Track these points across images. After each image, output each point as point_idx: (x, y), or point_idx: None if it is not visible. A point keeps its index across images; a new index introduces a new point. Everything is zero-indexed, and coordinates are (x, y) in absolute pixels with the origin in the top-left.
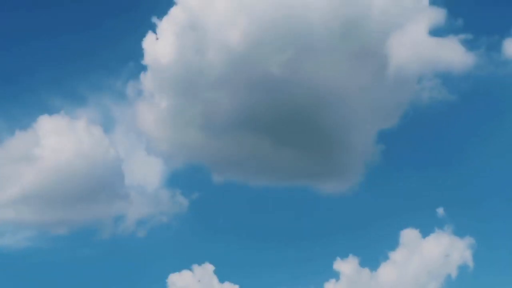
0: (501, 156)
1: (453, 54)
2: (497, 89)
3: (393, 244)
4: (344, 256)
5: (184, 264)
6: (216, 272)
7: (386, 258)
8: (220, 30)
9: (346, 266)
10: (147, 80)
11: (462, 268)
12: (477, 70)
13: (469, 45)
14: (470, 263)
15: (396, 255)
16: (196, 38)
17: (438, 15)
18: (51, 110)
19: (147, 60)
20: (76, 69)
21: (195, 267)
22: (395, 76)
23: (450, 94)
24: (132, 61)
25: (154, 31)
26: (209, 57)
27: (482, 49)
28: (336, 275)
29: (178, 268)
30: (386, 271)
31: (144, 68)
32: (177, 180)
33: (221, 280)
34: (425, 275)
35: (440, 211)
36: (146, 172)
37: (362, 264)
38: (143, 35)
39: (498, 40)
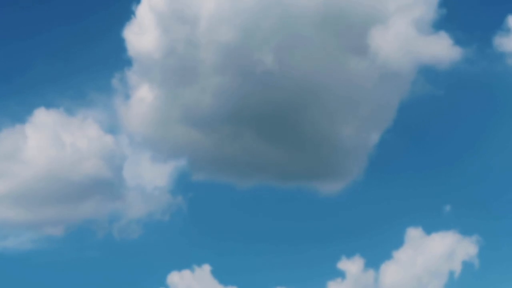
0: (503, 153)
1: (443, 48)
2: (492, 84)
3: (398, 242)
4: (348, 255)
5: (183, 265)
6: (214, 273)
7: (390, 256)
8: (207, 20)
9: (351, 266)
10: (132, 73)
11: (467, 267)
12: (468, 65)
13: (460, 39)
14: (475, 261)
15: (401, 254)
16: (181, 27)
17: (428, 8)
18: (42, 107)
19: (131, 52)
20: (68, 66)
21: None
22: (386, 70)
23: (444, 89)
24: (117, 54)
25: (136, 21)
26: (194, 48)
27: (473, 44)
28: (340, 275)
29: (175, 269)
30: (391, 269)
31: (128, 61)
32: (172, 179)
33: (220, 282)
34: (430, 274)
35: (446, 209)
36: (141, 171)
37: (367, 263)
38: (124, 25)
39: (489, 35)
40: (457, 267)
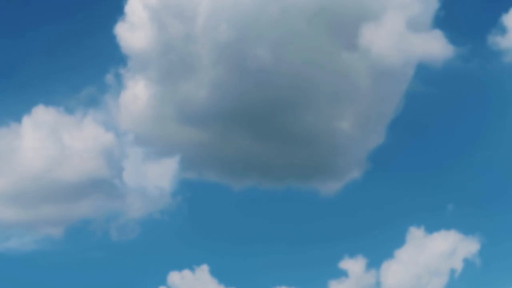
0: (503, 150)
1: (438, 46)
2: (486, 82)
3: (400, 241)
4: (350, 255)
5: (183, 265)
6: (215, 274)
7: (392, 256)
8: (200, 15)
9: (353, 265)
10: (127, 70)
11: (469, 265)
12: (463, 63)
13: (454, 37)
14: (477, 260)
15: (403, 253)
16: (174, 23)
17: (422, 6)
18: (39, 105)
19: (125, 49)
20: (63, 64)
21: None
22: (381, 68)
23: (438, 87)
24: (111, 51)
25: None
26: (188, 44)
27: (467, 42)
28: (342, 274)
29: (175, 269)
30: (392, 268)
31: (123, 57)
32: (169, 178)
33: (221, 282)
34: (432, 272)
35: (448, 208)
36: (139, 170)
37: (369, 262)
38: (117, 21)
39: (484, 33)
40: (459, 266)
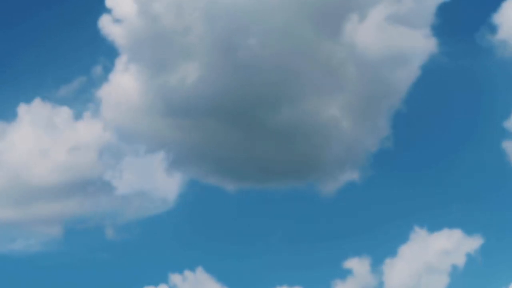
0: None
1: (426, 42)
2: (478, 79)
3: (403, 240)
4: (353, 254)
5: (184, 265)
6: (216, 274)
7: (396, 254)
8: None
9: (356, 264)
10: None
11: (471, 262)
12: (453, 60)
13: (444, 35)
14: (479, 258)
15: (407, 251)
16: (163, 14)
17: (410, 1)
18: (34, 100)
19: (113, 41)
20: (53, 58)
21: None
22: (370, 62)
23: (428, 84)
24: (99, 43)
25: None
26: (178, 36)
27: (457, 39)
28: (346, 273)
29: (175, 269)
30: (396, 267)
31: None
32: (165, 177)
33: (224, 282)
34: (434, 270)
35: (450, 208)
36: (133, 168)
37: (372, 261)
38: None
39: (474, 31)
40: (461, 263)
